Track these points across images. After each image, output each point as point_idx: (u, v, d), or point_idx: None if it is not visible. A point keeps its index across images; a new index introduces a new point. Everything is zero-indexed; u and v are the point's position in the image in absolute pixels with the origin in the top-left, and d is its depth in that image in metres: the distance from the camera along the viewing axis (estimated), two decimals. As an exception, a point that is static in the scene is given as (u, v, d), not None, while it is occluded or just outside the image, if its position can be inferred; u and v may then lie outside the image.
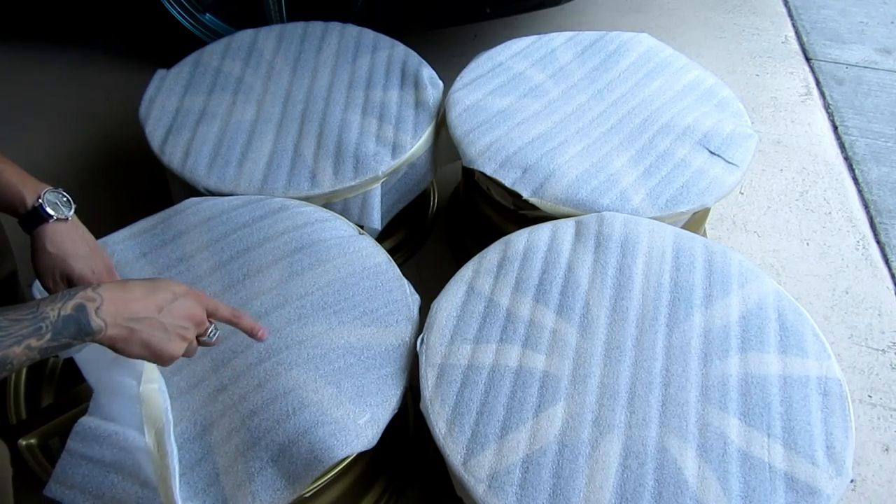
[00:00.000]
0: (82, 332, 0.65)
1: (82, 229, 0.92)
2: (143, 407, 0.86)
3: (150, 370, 0.89)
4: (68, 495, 0.84)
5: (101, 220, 1.31)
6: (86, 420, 0.85)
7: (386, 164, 1.26)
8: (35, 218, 0.87)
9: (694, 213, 1.21)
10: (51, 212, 0.87)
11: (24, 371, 1.07)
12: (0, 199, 0.87)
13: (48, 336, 0.62)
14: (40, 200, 0.87)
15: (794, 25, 2.32)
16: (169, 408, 0.88)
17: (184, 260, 1.09)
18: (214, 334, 0.79)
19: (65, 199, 0.90)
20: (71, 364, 1.14)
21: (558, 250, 1.10)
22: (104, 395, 0.86)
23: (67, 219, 0.89)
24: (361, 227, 1.23)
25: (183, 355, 0.75)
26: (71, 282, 0.89)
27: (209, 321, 0.78)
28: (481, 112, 1.33)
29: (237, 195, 1.19)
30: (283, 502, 0.85)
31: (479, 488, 0.85)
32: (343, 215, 1.21)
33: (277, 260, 1.07)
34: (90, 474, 0.84)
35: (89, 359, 0.88)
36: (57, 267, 0.88)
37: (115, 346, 0.69)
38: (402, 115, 1.34)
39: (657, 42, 1.52)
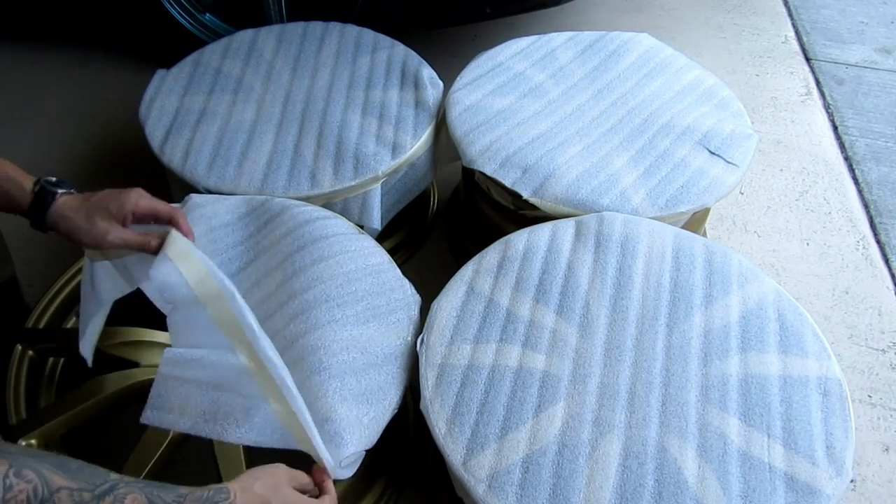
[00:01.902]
0: None
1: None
2: (224, 329, 0.85)
3: (214, 296, 0.87)
4: (168, 419, 0.84)
5: (101, 220, 1.31)
6: (173, 349, 0.85)
7: (386, 164, 1.26)
8: (43, 200, 0.86)
9: (694, 213, 1.21)
10: (56, 189, 0.87)
11: (24, 371, 1.07)
12: (4, 196, 0.87)
13: None
14: (39, 185, 0.87)
15: (794, 25, 2.32)
16: (252, 324, 0.86)
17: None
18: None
19: (63, 182, 0.90)
20: (71, 364, 1.15)
21: (558, 250, 1.10)
22: (182, 328, 0.86)
23: (73, 192, 0.89)
24: (361, 227, 1.23)
25: None
26: (137, 209, 0.88)
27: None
28: (481, 112, 1.33)
29: (237, 195, 1.19)
30: None
31: (479, 488, 0.85)
32: (343, 215, 1.21)
33: (281, 261, 1.07)
34: (188, 394, 0.83)
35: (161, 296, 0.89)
36: (103, 209, 0.87)
37: None
38: (402, 115, 1.34)
39: (657, 42, 1.52)
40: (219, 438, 0.83)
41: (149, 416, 0.84)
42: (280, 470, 0.79)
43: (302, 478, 0.81)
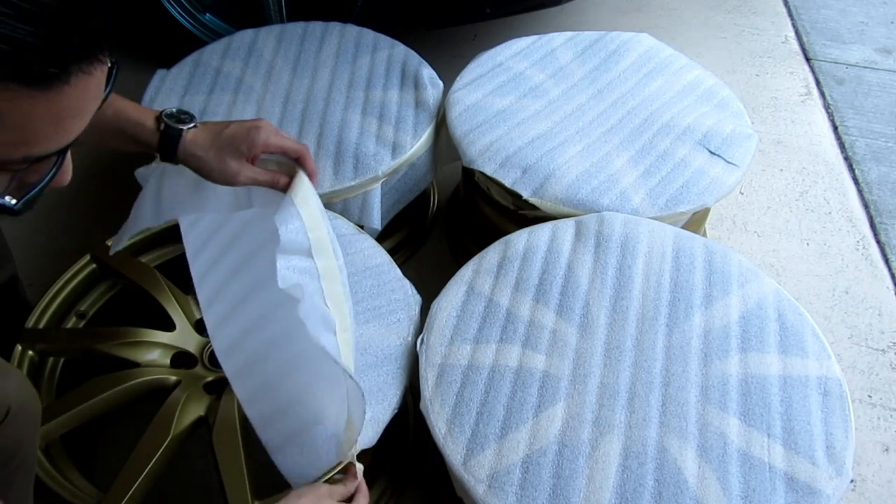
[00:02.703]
0: None
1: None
2: (324, 283, 0.83)
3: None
4: None
5: (102, 219, 1.31)
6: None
7: (386, 164, 1.26)
8: (170, 139, 0.85)
9: (694, 213, 1.21)
10: (181, 127, 0.85)
11: (24, 371, 1.07)
12: (133, 140, 0.86)
13: None
14: (164, 123, 0.85)
15: (794, 25, 2.32)
16: (346, 283, 0.85)
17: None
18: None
19: (184, 113, 0.88)
20: (71, 364, 1.15)
21: (558, 250, 1.10)
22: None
23: (196, 125, 0.87)
24: (361, 227, 1.23)
25: None
26: (260, 144, 0.87)
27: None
28: (481, 112, 1.33)
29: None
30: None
31: (479, 488, 0.85)
32: (343, 215, 1.21)
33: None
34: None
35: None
36: (234, 145, 0.86)
37: None
38: (402, 115, 1.34)
39: (657, 42, 1.52)
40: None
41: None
42: (322, 488, 0.80)
43: (341, 489, 0.82)
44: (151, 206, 0.95)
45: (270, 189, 0.88)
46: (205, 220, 0.95)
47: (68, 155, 0.50)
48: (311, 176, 0.89)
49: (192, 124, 0.86)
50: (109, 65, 0.47)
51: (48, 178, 0.48)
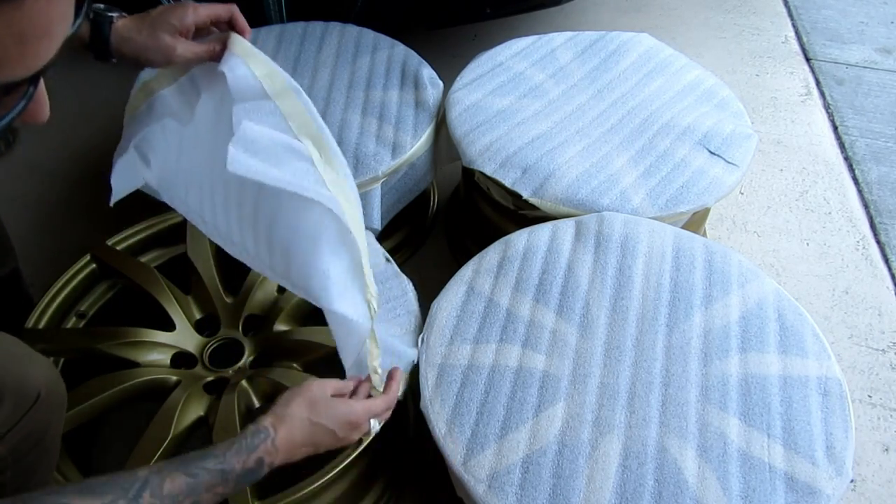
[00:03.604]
0: (257, 478, 0.72)
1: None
2: (293, 122, 0.82)
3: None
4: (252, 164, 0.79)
5: (102, 219, 1.31)
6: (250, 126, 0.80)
7: (386, 164, 1.26)
8: (100, 27, 0.82)
9: (694, 213, 1.21)
10: (110, 14, 0.83)
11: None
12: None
13: (231, 485, 0.69)
14: (92, 12, 0.82)
15: (794, 25, 2.32)
16: (318, 117, 0.83)
17: None
18: (375, 430, 0.85)
19: (112, 7, 0.86)
20: (71, 364, 1.15)
21: (558, 250, 1.10)
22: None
23: (125, 15, 0.86)
24: (361, 227, 1.23)
25: None
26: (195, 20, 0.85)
27: (368, 423, 0.83)
28: (481, 112, 1.33)
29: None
30: None
31: (479, 488, 0.85)
32: (343, 215, 1.21)
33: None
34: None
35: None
36: (165, 24, 0.84)
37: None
38: (402, 115, 1.34)
39: (657, 42, 1.52)
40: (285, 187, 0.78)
41: (236, 157, 0.78)
42: (312, 384, 0.78)
43: (335, 383, 0.81)
44: (132, 162, 0.95)
45: (212, 68, 0.85)
46: (168, 152, 0.94)
47: (41, 86, 0.48)
48: (243, 33, 0.88)
49: (119, 13, 0.84)
50: None
51: (18, 108, 0.45)
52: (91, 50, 0.84)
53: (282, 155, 0.80)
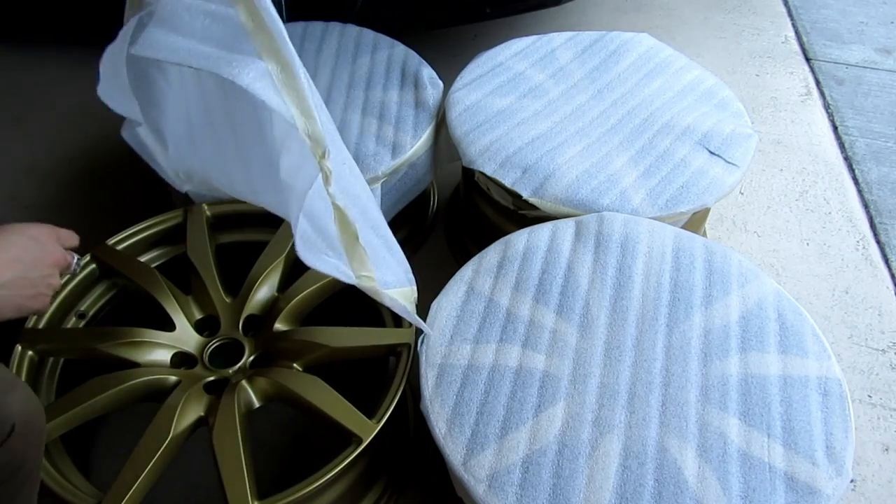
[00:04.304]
0: None
1: None
2: None
3: None
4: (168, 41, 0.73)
5: (102, 220, 1.31)
6: None
7: (386, 164, 1.26)
8: None
9: (694, 213, 1.21)
10: None
11: (24, 371, 1.07)
12: None
13: None
14: None
15: (794, 25, 2.32)
16: None
17: None
18: (78, 265, 0.78)
19: None
20: (71, 364, 1.15)
21: (558, 250, 1.10)
22: None
23: None
24: (361, 227, 1.23)
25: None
26: None
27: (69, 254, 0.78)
28: (481, 112, 1.33)
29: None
30: None
31: (479, 488, 0.85)
32: (343, 215, 1.21)
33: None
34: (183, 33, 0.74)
35: None
36: None
37: None
38: (402, 115, 1.34)
39: (657, 42, 1.52)
40: (215, 71, 0.71)
41: (151, 37, 0.72)
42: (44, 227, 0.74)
43: (72, 239, 0.77)
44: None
45: None
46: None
47: None
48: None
49: None
50: None
51: None
52: None
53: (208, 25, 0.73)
